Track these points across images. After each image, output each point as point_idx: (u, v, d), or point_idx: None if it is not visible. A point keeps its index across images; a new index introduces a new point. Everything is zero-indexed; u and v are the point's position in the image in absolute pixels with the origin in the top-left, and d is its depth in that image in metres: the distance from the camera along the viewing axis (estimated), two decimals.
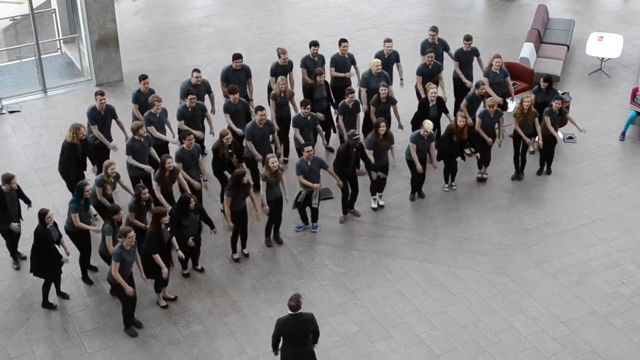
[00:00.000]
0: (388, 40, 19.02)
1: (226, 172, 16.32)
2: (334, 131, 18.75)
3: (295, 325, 12.47)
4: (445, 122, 18.14)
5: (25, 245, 15.44)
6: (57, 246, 14.75)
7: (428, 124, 16.85)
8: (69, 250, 14.98)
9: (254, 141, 16.85)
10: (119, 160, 16.59)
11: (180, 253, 14.87)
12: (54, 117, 20.34)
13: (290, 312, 12.41)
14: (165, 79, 21.47)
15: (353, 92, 17.73)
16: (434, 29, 19.22)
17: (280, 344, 12.73)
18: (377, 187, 17.29)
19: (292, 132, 17.56)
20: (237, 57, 18.33)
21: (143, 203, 15.10)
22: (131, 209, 15.09)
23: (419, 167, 17.02)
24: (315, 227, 16.88)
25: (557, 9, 24.96)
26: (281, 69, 18.44)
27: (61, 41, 23.22)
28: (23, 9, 22.27)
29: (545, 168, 18.29)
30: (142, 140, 16.30)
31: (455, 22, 24.32)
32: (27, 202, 15.77)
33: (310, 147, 16.13)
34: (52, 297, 15.14)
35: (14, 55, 23.28)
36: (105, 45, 21.21)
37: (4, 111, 20.50)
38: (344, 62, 18.88)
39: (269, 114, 17.67)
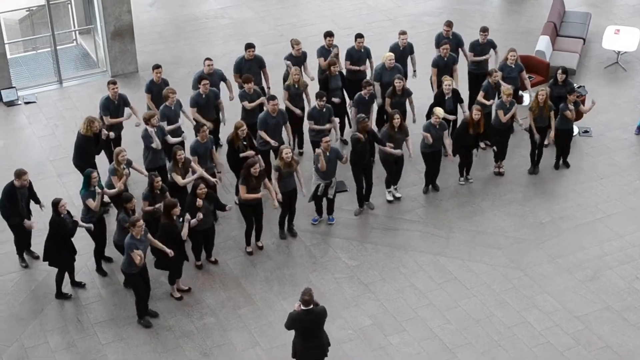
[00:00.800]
0: (403, 33, 18.98)
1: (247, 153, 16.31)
2: (349, 125, 18.74)
3: (308, 321, 12.48)
4: (460, 115, 18.11)
5: (39, 237, 15.47)
6: (79, 225, 14.82)
7: (439, 111, 16.82)
8: (90, 226, 15.02)
9: (266, 130, 16.85)
10: (135, 151, 16.68)
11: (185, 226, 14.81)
12: (69, 108, 20.39)
13: (302, 307, 12.41)
14: (181, 70, 21.48)
15: (371, 84, 17.71)
16: (449, 24, 19.17)
17: (294, 337, 12.77)
18: (392, 179, 17.28)
19: (307, 124, 17.57)
20: (249, 46, 18.34)
21: (156, 191, 15.13)
22: (145, 197, 15.14)
23: (429, 140, 16.90)
24: (331, 220, 16.89)
25: (574, 2, 24.83)
26: (294, 60, 18.45)
27: (77, 32, 23.27)
28: None
29: (561, 162, 18.24)
30: (155, 129, 16.31)
31: (471, 14, 24.24)
32: (38, 202, 15.66)
33: (328, 138, 16.12)
34: (67, 287, 15.21)
35: (30, 46, 23.34)
36: (120, 36, 21.24)
37: (19, 102, 20.57)
38: (359, 56, 18.85)
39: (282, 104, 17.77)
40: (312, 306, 12.45)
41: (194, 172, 15.85)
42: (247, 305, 15.04)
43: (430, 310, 14.94)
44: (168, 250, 14.36)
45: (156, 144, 16.22)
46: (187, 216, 14.65)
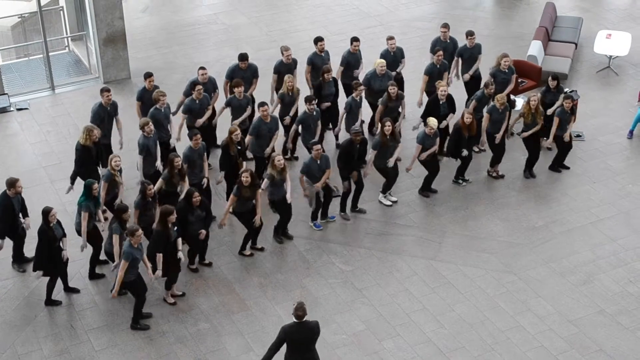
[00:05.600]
0: (390, 38, 19.01)
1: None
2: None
3: (301, 334, 12.39)
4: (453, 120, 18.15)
5: (32, 244, 15.42)
6: (60, 244, 14.77)
7: (433, 122, 16.83)
8: (67, 256, 14.93)
9: (258, 137, 16.86)
10: (131, 157, 16.68)
11: (180, 254, 14.77)
12: (61, 114, 20.37)
13: (295, 320, 12.36)
14: (174, 76, 21.48)
15: (361, 84, 17.72)
16: (446, 26, 19.21)
17: (285, 353, 12.66)
18: (388, 185, 17.28)
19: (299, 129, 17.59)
20: (242, 58, 18.27)
21: (148, 199, 15.11)
22: (137, 206, 15.11)
23: (424, 155, 16.99)
24: (332, 217, 16.93)
25: (565, 7, 24.91)
26: (285, 67, 18.43)
27: (69, 39, 23.26)
28: (31, 6, 22.30)
29: (558, 165, 18.29)
30: (152, 136, 16.29)
31: (463, 19, 24.29)
32: (25, 215, 15.45)
33: (319, 146, 16.13)
34: (60, 294, 15.18)
35: (22, 52, 23.32)
36: (113, 42, 21.22)
37: (12, 109, 20.53)
38: (355, 59, 18.88)
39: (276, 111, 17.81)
40: (304, 320, 12.41)
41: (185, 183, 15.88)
42: (241, 310, 15.03)
43: (424, 314, 14.95)
44: (158, 274, 14.53)
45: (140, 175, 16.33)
46: (158, 272, 14.66)
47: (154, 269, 14.50)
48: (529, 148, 17.92)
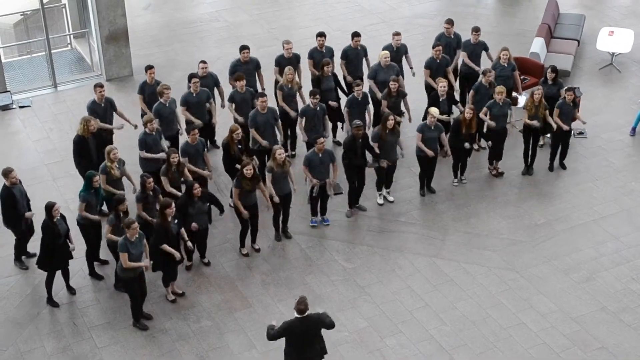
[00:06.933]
0: (397, 34, 19.01)
1: (237, 166, 16.19)
2: (342, 128, 18.75)
3: (302, 328, 12.38)
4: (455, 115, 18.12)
5: (36, 241, 15.43)
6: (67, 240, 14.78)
7: (434, 111, 16.82)
8: (74, 246, 14.96)
9: (257, 128, 16.84)
10: (132, 155, 16.67)
11: (189, 244, 14.89)
12: (64, 112, 20.38)
13: (297, 315, 12.35)
14: (176, 73, 21.47)
15: (359, 84, 17.66)
16: (449, 22, 19.20)
17: (285, 348, 12.68)
18: (384, 182, 17.26)
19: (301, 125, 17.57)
20: (243, 48, 18.30)
21: (149, 193, 15.09)
22: (138, 199, 15.11)
23: (429, 152, 16.93)
24: (326, 221, 16.87)
25: (568, 4, 24.88)
26: (286, 61, 18.41)
27: (71, 36, 23.26)
28: (33, 3, 22.30)
29: (558, 162, 18.25)
30: (154, 134, 16.28)
31: (465, 16, 24.27)
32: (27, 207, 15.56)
33: (322, 139, 16.09)
34: (62, 291, 15.19)
35: (25, 50, 23.33)
36: (115, 40, 21.22)
37: (14, 106, 20.54)
38: (356, 54, 18.86)
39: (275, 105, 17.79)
40: (307, 314, 12.41)
41: (187, 178, 15.82)
42: (243, 308, 15.04)
43: (426, 312, 14.95)
44: (177, 255, 14.49)
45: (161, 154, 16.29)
46: (176, 254, 14.65)
47: (165, 262, 14.53)
48: (526, 143, 17.90)
